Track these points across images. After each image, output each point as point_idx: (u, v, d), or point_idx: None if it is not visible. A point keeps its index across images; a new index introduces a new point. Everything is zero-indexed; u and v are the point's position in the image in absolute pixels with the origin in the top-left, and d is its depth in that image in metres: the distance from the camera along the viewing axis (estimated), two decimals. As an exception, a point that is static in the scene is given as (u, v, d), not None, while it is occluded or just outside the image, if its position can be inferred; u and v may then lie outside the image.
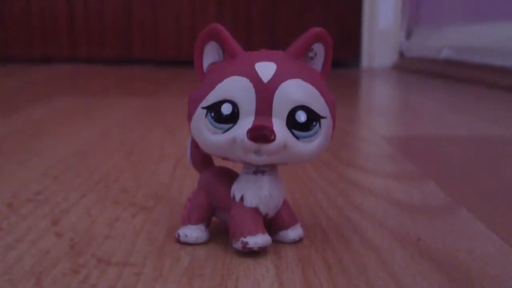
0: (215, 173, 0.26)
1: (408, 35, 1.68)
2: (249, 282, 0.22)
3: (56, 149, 0.46)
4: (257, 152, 0.22)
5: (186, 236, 0.25)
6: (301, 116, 0.23)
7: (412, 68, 1.50)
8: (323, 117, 0.23)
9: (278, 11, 1.57)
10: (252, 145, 0.22)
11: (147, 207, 0.31)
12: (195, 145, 0.26)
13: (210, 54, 0.24)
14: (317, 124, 0.23)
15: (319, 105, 0.23)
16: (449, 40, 1.35)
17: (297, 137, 0.23)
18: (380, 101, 1.01)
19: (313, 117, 0.23)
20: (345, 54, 1.67)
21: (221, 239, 0.26)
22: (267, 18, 1.59)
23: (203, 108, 0.23)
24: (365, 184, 0.37)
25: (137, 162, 0.42)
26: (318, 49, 0.24)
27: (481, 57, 1.14)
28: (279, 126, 0.22)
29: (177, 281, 0.22)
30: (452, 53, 1.30)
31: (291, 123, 0.23)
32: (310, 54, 0.24)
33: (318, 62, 0.25)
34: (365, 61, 1.72)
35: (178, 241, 0.26)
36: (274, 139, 0.22)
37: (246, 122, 0.22)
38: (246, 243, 0.24)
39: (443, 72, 1.27)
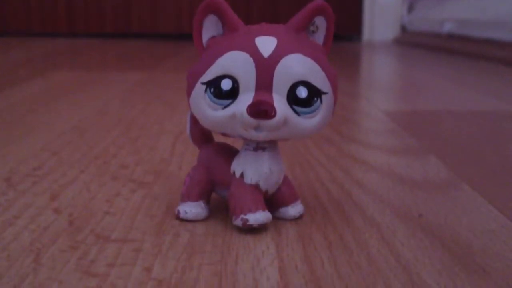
0: (215, 149, 0.26)
1: (410, 8, 1.66)
2: (249, 259, 0.22)
3: (54, 124, 0.46)
4: (257, 128, 0.22)
5: (186, 213, 0.25)
6: (302, 92, 0.22)
7: (414, 42, 1.48)
8: (324, 93, 0.23)
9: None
10: (252, 121, 0.22)
11: (146, 182, 0.31)
12: (194, 120, 0.25)
13: (210, 28, 0.24)
14: (318, 100, 0.23)
15: (320, 80, 0.23)
16: (452, 13, 1.33)
17: (297, 113, 0.22)
18: (381, 76, 1.01)
19: (314, 93, 0.23)
20: (346, 27, 1.65)
21: (221, 216, 0.26)
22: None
23: (203, 83, 0.23)
24: (366, 160, 0.37)
25: (136, 138, 0.42)
26: (320, 22, 0.24)
27: (484, 31, 1.13)
28: (279, 101, 0.22)
29: (176, 257, 0.22)
30: (454, 26, 1.29)
31: (292, 98, 0.22)
32: (312, 28, 0.24)
33: (319, 36, 0.24)
34: (366, 35, 1.71)
35: (177, 217, 0.25)
36: (274, 115, 0.22)
37: (246, 98, 0.22)
38: (246, 220, 0.23)
39: (445, 46, 1.26)
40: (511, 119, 0.53)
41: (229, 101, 0.22)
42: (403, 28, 1.67)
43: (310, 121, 0.23)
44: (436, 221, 0.26)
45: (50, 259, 0.22)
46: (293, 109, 0.22)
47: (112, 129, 0.44)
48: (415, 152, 0.39)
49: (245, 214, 0.23)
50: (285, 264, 0.21)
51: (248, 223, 0.23)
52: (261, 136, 0.23)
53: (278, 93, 0.22)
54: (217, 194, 0.26)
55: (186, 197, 0.26)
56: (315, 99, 0.23)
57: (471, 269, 0.21)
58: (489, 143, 0.43)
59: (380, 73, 1.06)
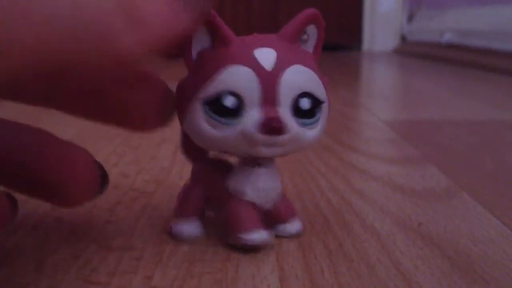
0: (209, 163, 0.25)
1: (410, 18, 1.67)
2: (250, 267, 0.22)
3: (54, 133, 0.46)
4: (268, 145, 0.21)
5: (177, 229, 0.24)
6: (306, 103, 0.22)
7: (414, 52, 1.49)
8: (323, 102, 0.23)
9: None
10: (264, 138, 0.21)
11: (147, 191, 0.31)
12: (186, 134, 0.24)
13: (199, 40, 0.22)
14: (319, 110, 0.23)
15: (320, 90, 0.23)
16: (451, 23, 1.34)
17: (302, 125, 0.22)
18: (381, 85, 1.01)
19: (316, 103, 0.22)
20: (346, 37, 1.66)
21: (220, 224, 0.26)
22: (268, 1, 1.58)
23: (201, 100, 0.22)
24: (366, 169, 0.37)
25: (137, 147, 0.42)
26: (311, 31, 0.23)
27: (484, 40, 1.14)
28: (286, 115, 0.21)
29: (177, 266, 0.22)
30: (454, 36, 1.29)
31: (296, 111, 0.22)
32: (304, 37, 0.23)
33: (310, 44, 0.24)
34: (366, 45, 1.71)
35: (170, 233, 0.25)
36: (287, 131, 0.21)
37: (253, 114, 0.21)
38: (241, 239, 0.23)
39: (445, 56, 1.27)
40: (511, 129, 0.53)
41: (232, 118, 0.21)
42: (403, 38, 1.68)
43: (313, 132, 0.23)
44: (435, 229, 0.26)
45: (52, 267, 0.22)
46: (298, 121, 0.22)
47: (113, 138, 0.44)
48: (415, 161, 0.40)
49: (241, 234, 0.23)
50: (285, 272, 0.21)
51: (244, 243, 0.23)
52: (270, 152, 0.22)
53: (284, 107, 0.21)
54: (211, 210, 0.25)
55: (179, 213, 0.25)
56: (317, 109, 0.22)
57: (470, 277, 0.21)
58: (488, 152, 0.43)
59: (380, 82, 1.07)
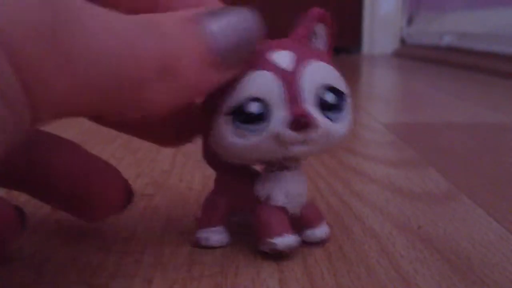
0: (234, 172, 0.25)
1: (409, 21, 1.67)
2: (249, 271, 0.22)
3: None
4: (303, 143, 0.21)
5: (207, 239, 0.24)
6: (331, 97, 0.22)
7: (413, 55, 1.49)
8: (346, 94, 0.22)
9: (278, -3, 1.56)
10: (297, 136, 0.21)
11: (147, 194, 0.31)
12: (208, 145, 0.24)
13: None
14: (344, 103, 0.22)
15: (341, 83, 0.22)
16: (451, 26, 1.34)
17: (331, 119, 0.22)
18: (381, 88, 1.01)
19: (341, 96, 0.22)
20: (345, 40, 1.66)
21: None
22: (267, 3, 1.58)
23: (226, 112, 0.21)
24: (366, 172, 0.37)
25: (136, 150, 0.42)
26: (320, 30, 0.23)
27: (483, 43, 1.14)
28: (314, 111, 0.21)
29: (177, 269, 0.22)
30: (453, 39, 1.29)
31: (323, 106, 0.21)
32: (313, 36, 0.23)
33: (320, 44, 0.23)
34: (365, 47, 1.71)
35: (199, 245, 0.24)
36: (318, 125, 0.21)
37: (280, 115, 0.21)
38: (274, 244, 0.22)
39: (445, 59, 1.27)
40: (510, 131, 0.53)
41: (260, 124, 0.21)
42: (403, 41, 1.68)
43: (342, 126, 0.22)
44: (435, 232, 0.26)
45: (51, 271, 0.22)
46: (326, 116, 0.22)
47: (112, 141, 0.44)
48: (415, 164, 0.40)
49: (272, 238, 0.22)
50: (285, 275, 0.21)
51: (276, 248, 0.22)
52: (303, 150, 0.21)
53: (309, 103, 0.21)
54: (236, 218, 0.25)
55: (206, 223, 0.24)
56: (343, 102, 0.22)
57: (470, 280, 0.21)
58: (488, 155, 0.43)
59: (380, 85, 1.07)
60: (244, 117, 0.21)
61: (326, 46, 0.24)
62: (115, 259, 0.23)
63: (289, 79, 0.21)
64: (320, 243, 0.24)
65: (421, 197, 0.31)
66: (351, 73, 1.17)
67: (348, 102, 0.23)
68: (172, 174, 0.36)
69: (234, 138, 0.21)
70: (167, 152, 0.41)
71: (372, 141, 0.49)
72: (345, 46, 1.63)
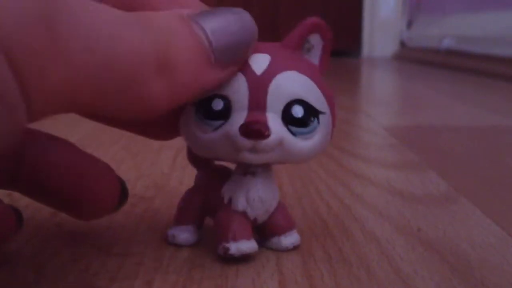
0: (212, 172, 0.25)
1: (409, 24, 1.67)
2: (249, 273, 0.22)
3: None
4: (252, 150, 0.21)
5: (174, 236, 0.24)
6: (298, 111, 0.21)
7: (413, 58, 1.49)
8: (322, 113, 0.22)
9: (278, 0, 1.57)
10: (246, 141, 0.20)
11: (147, 197, 0.31)
12: None
13: None
14: (315, 120, 0.21)
15: (317, 99, 0.21)
16: (450, 29, 1.34)
17: (294, 133, 0.21)
18: (381, 91, 1.01)
19: (311, 112, 0.21)
20: (345, 43, 1.66)
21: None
22: (267, 7, 1.58)
23: (193, 104, 0.21)
24: (366, 174, 0.37)
25: (136, 153, 0.42)
26: (315, 40, 0.22)
27: (483, 47, 1.14)
28: (274, 121, 0.21)
29: (177, 271, 0.22)
30: (453, 42, 1.30)
31: (288, 118, 0.21)
32: (307, 46, 0.23)
33: (315, 55, 0.23)
34: (365, 51, 1.72)
35: (166, 241, 0.24)
36: (269, 135, 0.20)
37: (239, 118, 0.21)
38: (228, 248, 0.22)
39: (444, 62, 1.27)
40: (510, 134, 0.53)
41: (220, 121, 0.21)
42: (402, 44, 1.69)
43: (307, 143, 0.22)
44: (435, 234, 0.26)
45: (52, 273, 0.22)
46: (289, 130, 0.21)
47: (112, 144, 0.45)
48: (415, 166, 0.40)
49: (228, 243, 0.22)
50: (285, 277, 0.21)
51: (229, 253, 0.22)
52: (255, 158, 0.21)
53: (273, 112, 0.21)
54: (211, 218, 0.25)
55: (178, 221, 0.25)
56: (312, 118, 0.21)
57: (469, 282, 0.21)
58: (488, 157, 0.43)
59: (380, 88, 1.07)
60: (207, 113, 0.21)
61: (319, 57, 0.23)
62: (116, 261, 0.23)
63: (256, 84, 0.21)
64: (293, 249, 0.24)
65: (421, 200, 0.32)
66: (351, 76, 1.17)
67: (324, 121, 0.22)
68: (172, 177, 0.36)
69: (196, 131, 0.22)
70: (167, 154, 0.41)
71: (372, 144, 0.49)
72: (345, 49, 1.63)
